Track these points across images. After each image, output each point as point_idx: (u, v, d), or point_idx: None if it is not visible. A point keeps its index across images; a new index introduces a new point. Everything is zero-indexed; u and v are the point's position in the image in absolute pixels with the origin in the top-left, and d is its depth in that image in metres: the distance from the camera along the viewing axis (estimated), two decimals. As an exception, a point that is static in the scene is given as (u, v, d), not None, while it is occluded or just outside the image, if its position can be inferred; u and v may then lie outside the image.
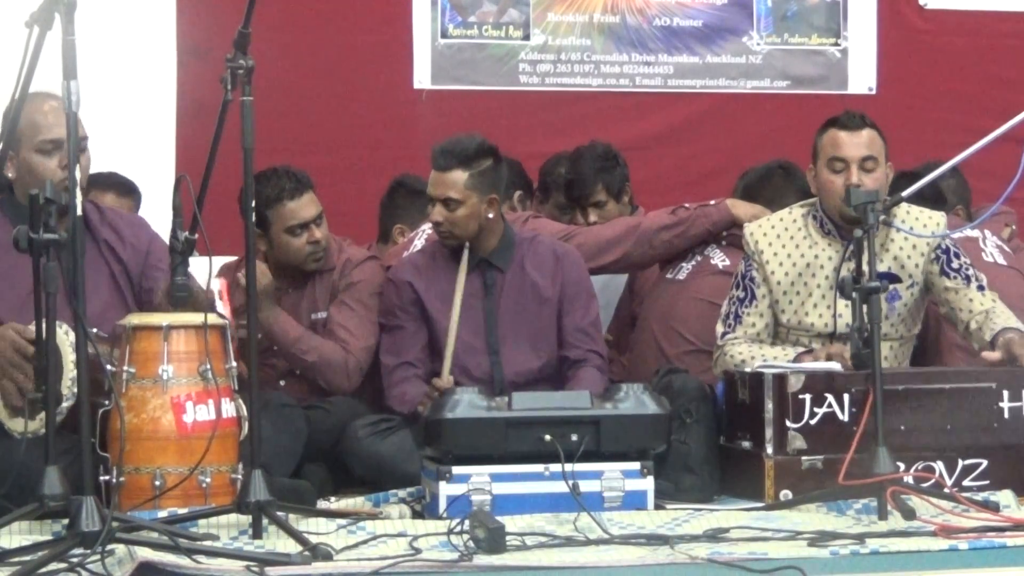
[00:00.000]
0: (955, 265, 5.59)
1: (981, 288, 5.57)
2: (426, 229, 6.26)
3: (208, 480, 4.60)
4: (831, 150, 5.58)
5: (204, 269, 5.00)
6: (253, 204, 4.51)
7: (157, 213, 5.55)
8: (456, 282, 5.67)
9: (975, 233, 6.21)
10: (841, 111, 5.74)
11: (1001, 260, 6.28)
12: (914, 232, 5.54)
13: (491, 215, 5.68)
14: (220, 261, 5.67)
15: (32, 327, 4.57)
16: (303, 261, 5.85)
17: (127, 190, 6.54)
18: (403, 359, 5.70)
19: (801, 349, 5.51)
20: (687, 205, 6.35)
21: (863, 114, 5.64)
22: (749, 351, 5.56)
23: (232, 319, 4.90)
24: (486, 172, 5.67)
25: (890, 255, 5.58)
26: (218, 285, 4.94)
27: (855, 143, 5.55)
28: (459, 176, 5.65)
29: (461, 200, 5.64)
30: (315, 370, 5.76)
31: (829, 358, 5.35)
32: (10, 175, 4.94)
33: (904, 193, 5.38)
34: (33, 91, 4.42)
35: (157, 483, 4.56)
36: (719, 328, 5.71)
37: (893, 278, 5.34)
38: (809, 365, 5.31)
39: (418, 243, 6.19)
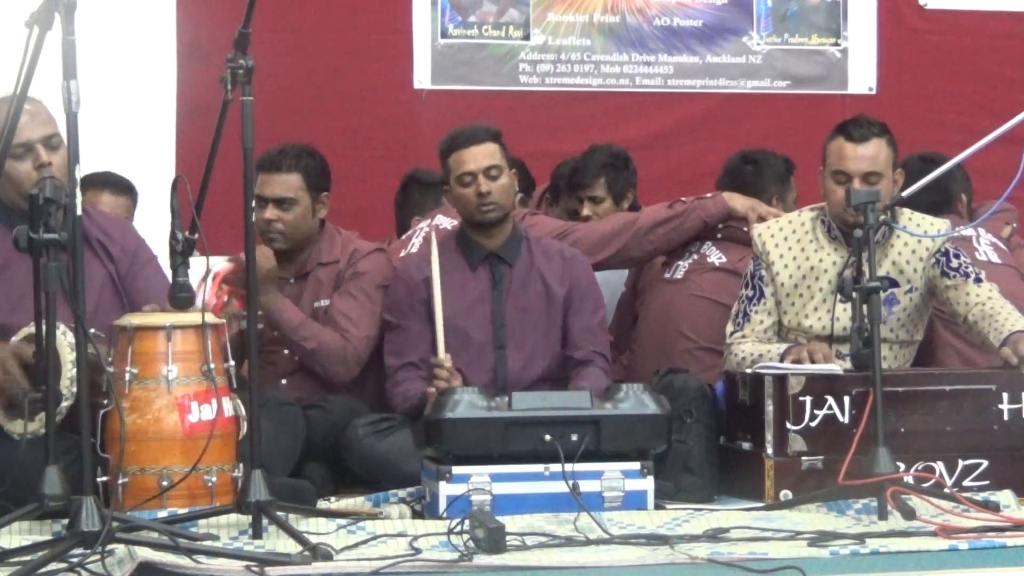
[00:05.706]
0: (954, 264, 5.59)
1: (978, 281, 5.56)
2: (424, 228, 6.25)
3: (214, 479, 4.61)
4: (835, 162, 5.53)
5: (203, 269, 4.99)
6: (253, 204, 4.50)
7: (156, 213, 5.54)
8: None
9: (969, 231, 6.21)
10: (846, 112, 5.73)
11: (995, 258, 6.27)
12: (913, 232, 5.54)
13: (515, 191, 5.72)
14: (219, 262, 5.67)
15: (27, 328, 4.57)
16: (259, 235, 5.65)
17: (123, 189, 6.47)
18: (406, 360, 5.65)
19: (790, 344, 5.52)
20: (684, 199, 6.35)
21: (873, 122, 5.57)
22: (752, 349, 5.56)
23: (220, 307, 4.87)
24: (506, 150, 5.72)
25: (889, 260, 5.58)
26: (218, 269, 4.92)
27: (859, 157, 5.49)
28: (496, 148, 5.67)
29: (503, 168, 5.65)
30: (314, 357, 5.70)
31: (811, 353, 5.34)
32: None
33: (904, 193, 5.37)
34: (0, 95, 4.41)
35: (164, 483, 4.56)
36: (729, 327, 5.71)
37: (891, 282, 5.33)
38: (808, 367, 5.30)
39: (416, 241, 6.18)
